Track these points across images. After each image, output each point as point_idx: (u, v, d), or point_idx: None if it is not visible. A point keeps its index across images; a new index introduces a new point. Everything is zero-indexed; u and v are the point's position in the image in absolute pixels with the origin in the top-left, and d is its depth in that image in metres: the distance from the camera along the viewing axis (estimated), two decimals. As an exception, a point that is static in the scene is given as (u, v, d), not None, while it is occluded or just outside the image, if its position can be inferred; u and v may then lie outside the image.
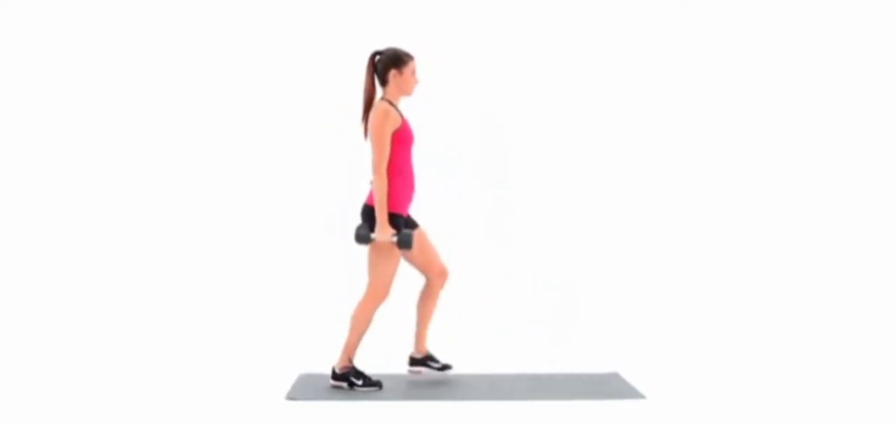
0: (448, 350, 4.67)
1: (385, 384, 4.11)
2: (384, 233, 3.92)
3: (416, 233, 4.04)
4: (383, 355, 4.32)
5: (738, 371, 4.40)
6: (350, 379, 4.05)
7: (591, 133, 5.69)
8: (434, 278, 4.18)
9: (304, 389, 4.03)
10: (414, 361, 4.23)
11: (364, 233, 3.97)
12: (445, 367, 4.22)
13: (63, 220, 5.54)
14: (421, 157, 4.19)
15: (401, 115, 4.00)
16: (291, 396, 3.91)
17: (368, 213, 3.99)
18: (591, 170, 5.69)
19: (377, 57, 4.07)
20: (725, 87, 5.71)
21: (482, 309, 5.32)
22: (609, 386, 4.08)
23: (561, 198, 5.65)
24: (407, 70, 4.04)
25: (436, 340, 4.53)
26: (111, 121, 5.61)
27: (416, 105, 4.45)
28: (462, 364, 4.47)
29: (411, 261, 4.15)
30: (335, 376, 4.08)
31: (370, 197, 4.01)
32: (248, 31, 5.64)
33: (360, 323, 4.05)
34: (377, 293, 4.04)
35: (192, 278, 5.48)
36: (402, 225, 3.99)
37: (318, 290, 5.49)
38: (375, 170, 3.93)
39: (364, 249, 4.00)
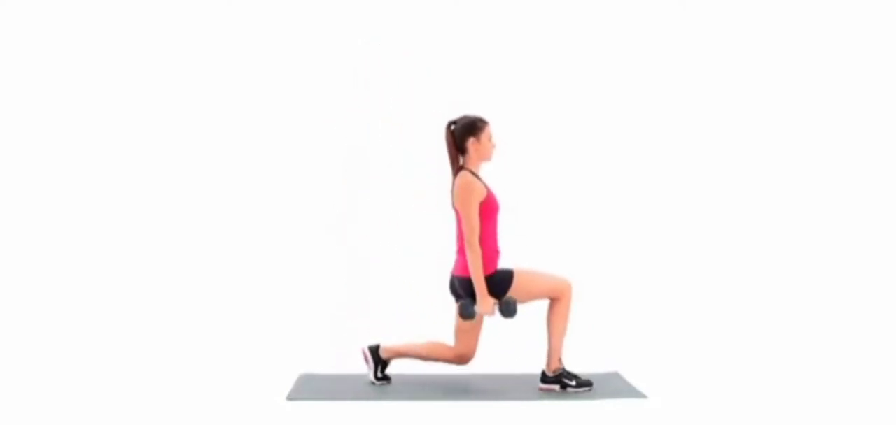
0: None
1: (384, 384, 4.12)
2: (486, 305, 3.93)
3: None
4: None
5: (738, 370, 4.40)
6: (377, 368, 4.11)
7: (591, 133, 5.69)
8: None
9: (304, 389, 4.03)
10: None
11: (470, 311, 3.97)
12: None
13: (63, 221, 5.54)
14: (419, 157, 4.20)
15: (485, 186, 4.00)
16: (291, 396, 3.91)
17: (464, 286, 4.00)
18: (590, 169, 5.69)
19: (453, 126, 4.07)
20: (725, 88, 5.71)
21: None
22: (609, 386, 4.08)
23: (561, 198, 5.65)
24: (484, 136, 4.04)
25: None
26: (110, 122, 5.60)
27: (416, 105, 4.45)
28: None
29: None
30: (375, 352, 4.12)
31: (459, 268, 4.02)
32: (248, 30, 5.63)
33: (429, 355, 4.13)
34: (464, 355, 4.12)
35: (192, 278, 5.48)
36: (498, 281, 3.97)
37: (318, 290, 5.49)
38: (468, 243, 3.92)
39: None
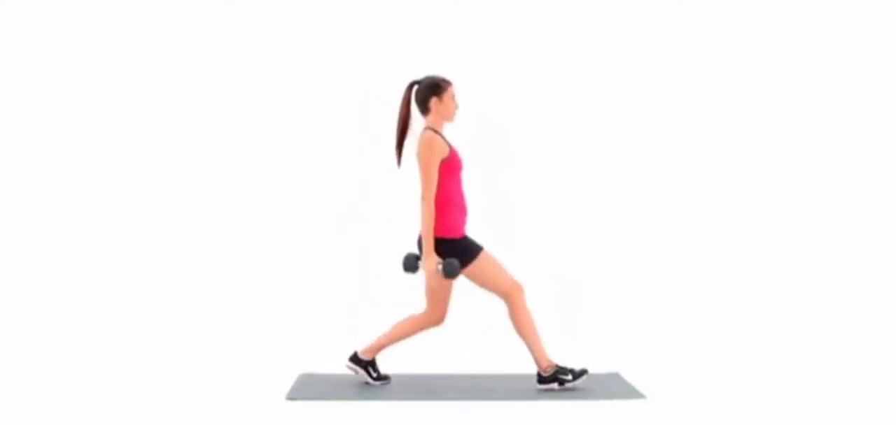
0: (449, 350, 4.67)
1: (384, 383, 4.12)
2: (429, 261, 3.91)
3: (481, 256, 3.96)
4: (389, 355, 4.32)
5: (738, 370, 4.40)
6: (369, 369, 4.10)
7: (592, 133, 5.69)
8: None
9: (304, 389, 4.03)
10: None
11: (412, 263, 3.98)
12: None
13: (64, 221, 5.54)
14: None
15: (447, 143, 3.98)
16: (291, 396, 3.92)
17: (442, 247, 3.96)
18: (591, 170, 5.69)
19: (415, 86, 4.06)
20: (725, 88, 5.71)
21: (483, 309, 5.31)
22: (609, 386, 4.08)
23: (561, 199, 5.65)
24: (446, 96, 4.02)
25: (436, 340, 4.53)
26: (112, 121, 5.61)
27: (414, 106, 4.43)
28: (463, 364, 4.47)
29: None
30: (356, 360, 4.11)
31: (438, 228, 3.97)
32: (250, 29, 5.64)
33: (404, 332, 4.10)
34: (433, 317, 4.09)
35: (192, 278, 5.48)
36: (464, 248, 3.95)
37: (319, 290, 5.49)
38: (423, 198, 3.91)
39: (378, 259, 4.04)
